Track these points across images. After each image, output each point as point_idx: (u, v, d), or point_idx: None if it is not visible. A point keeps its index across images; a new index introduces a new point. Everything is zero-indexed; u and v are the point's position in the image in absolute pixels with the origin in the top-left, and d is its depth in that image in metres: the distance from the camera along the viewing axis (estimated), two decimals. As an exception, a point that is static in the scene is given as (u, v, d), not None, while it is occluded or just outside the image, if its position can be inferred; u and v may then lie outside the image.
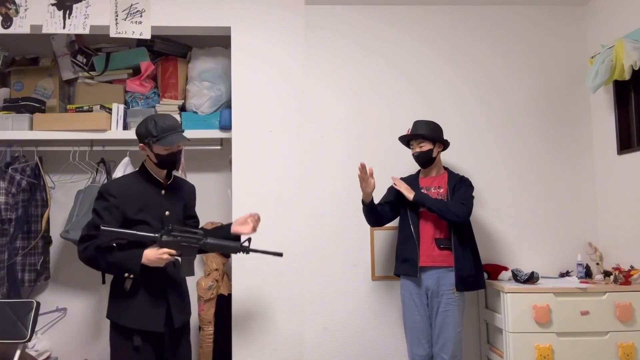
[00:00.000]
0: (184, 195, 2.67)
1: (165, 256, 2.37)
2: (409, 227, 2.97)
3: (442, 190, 2.99)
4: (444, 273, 2.89)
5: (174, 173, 2.69)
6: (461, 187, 2.97)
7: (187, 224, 2.66)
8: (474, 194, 3.00)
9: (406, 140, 3.09)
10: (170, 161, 2.51)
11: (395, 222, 3.12)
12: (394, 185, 3.04)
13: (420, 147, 3.00)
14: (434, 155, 3.01)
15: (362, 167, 2.83)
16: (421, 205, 2.93)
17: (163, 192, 2.55)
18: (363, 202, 2.95)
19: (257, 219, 2.70)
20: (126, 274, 2.36)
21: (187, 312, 2.61)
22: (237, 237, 2.66)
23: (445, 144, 3.06)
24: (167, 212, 2.52)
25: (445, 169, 3.11)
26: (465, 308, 2.97)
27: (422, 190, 3.00)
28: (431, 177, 3.07)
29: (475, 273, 2.92)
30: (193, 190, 2.77)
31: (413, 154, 3.05)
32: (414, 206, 2.97)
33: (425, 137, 2.99)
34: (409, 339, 2.97)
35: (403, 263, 2.99)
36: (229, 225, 2.73)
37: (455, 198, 2.92)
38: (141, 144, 2.50)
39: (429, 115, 3.39)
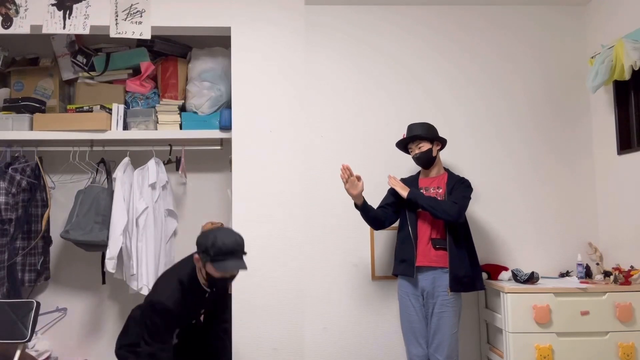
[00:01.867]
0: (227, 286, 2.59)
1: None
2: (407, 227, 2.97)
3: (441, 190, 2.99)
4: (439, 274, 2.89)
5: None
6: (459, 187, 2.97)
7: (215, 326, 2.67)
8: (472, 195, 2.99)
9: (404, 144, 3.09)
10: (220, 285, 2.38)
11: (395, 222, 3.12)
12: (388, 183, 3.04)
13: (419, 148, 3.00)
14: (434, 154, 3.02)
15: (345, 168, 2.83)
16: (414, 202, 2.93)
17: (207, 294, 2.49)
18: (355, 205, 2.94)
19: None
20: None
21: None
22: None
23: (442, 142, 3.06)
24: (202, 311, 2.56)
25: (446, 169, 3.11)
26: (462, 309, 2.96)
27: (422, 191, 3.00)
28: (431, 177, 3.07)
29: (471, 274, 2.91)
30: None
31: (413, 157, 3.05)
32: (413, 206, 2.97)
33: (423, 137, 2.99)
34: (406, 338, 2.97)
35: (401, 263, 2.99)
36: None
37: (450, 197, 2.92)
38: (196, 255, 2.36)
39: (431, 114, 3.41)
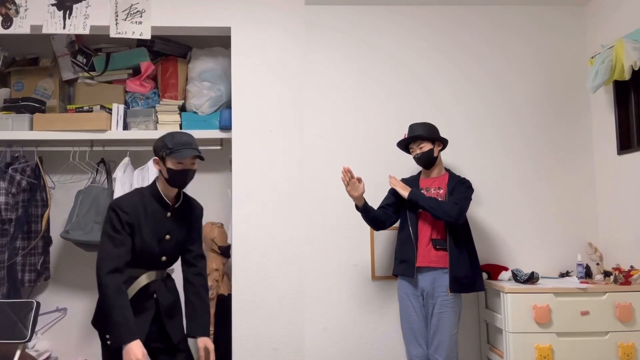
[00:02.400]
0: (191, 219, 2.59)
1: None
2: (408, 227, 2.97)
3: (441, 191, 2.98)
4: (439, 274, 2.88)
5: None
6: (459, 188, 2.96)
7: (185, 258, 2.62)
8: (473, 196, 2.98)
9: (405, 144, 3.08)
10: (181, 179, 2.43)
11: (396, 223, 3.12)
12: (389, 183, 3.04)
13: (421, 148, 3.00)
14: (435, 154, 3.01)
15: (346, 171, 2.83)
16: (415, 203, 2.93)
17: (169, 214, 2.49)
18: (356, 207, 2.94)
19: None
20: (108, 336, 2.28)
21: (181, 329, 2.56)
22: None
23: (444, 143, 3.06)
24: (167, 236, 2.48)
25: (447, 170, 3.10)
26: (462, 310, 2.95)
27: (422, 191, 3.00)
28: (432, 177, 3.06)
29: (472, 275, 2.90)
30: (200, 214, 2.68)
31: (414, 157, 3.05)
32: (414, 207, 2.97)
33: (424, 137, 2.99)
34: (406, 339, 2.97)
35: (401, 263, 2.99)
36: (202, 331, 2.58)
37: (451, 198, 2.92)
38: (155, 158, 2.45)
39: (432, 114, 3.41)
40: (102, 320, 2.37)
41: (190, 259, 2.61)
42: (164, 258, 2.49)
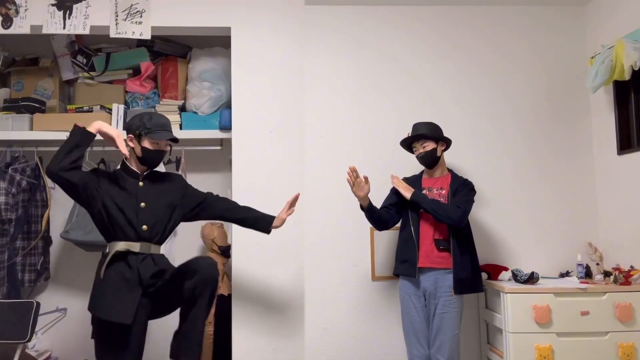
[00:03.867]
0: (167, 187, 2.62)
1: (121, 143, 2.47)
2: (410, 227, 2.96)
3: (444, 191, 2.97)
4: (441, 275, 2.88)
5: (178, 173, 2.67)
6: (462, 190, 2.95)
7: (203, 207, 2.70)
8: (475, 197, 2.98)
9: (408, 143, 3.07)
10: (153, 159, 2.55)
11: (398, 223, 3.11)
12: (392, 183, 3.03)
13: (424, 147, 2.99)
14: (438, 154, 3.01)
15: (352, 171, 2.82)
16: (417, 204, 2.92)
17: (141, 183, 2.55)
18: (361, 207, 2.94)
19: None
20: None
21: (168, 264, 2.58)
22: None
23: (447, 142, 3.05)
24: (142, 204, 2.50)
25: (450, 170, 3.10)
26: (463, 311, 2.95)
27: (424, 191, 2.99)
28: (434, 177, 3.05)
29: (473, 276, 2.91)
30: (181, 180, 2.73)
31: (417, 156, 3.03)
32: (415, 207, 2.96)
33: (428, 136, 2.98)
34: (408, 339, 2.97)
35: (402, 263, 2.98)
36: (272, 218, 2.78)
37: (454, 200, 2.91)
38: (130, 135, 2.53)
39: (431, 114, 3.40)
40: (94, 302, 2.47)
41: (208, 205, 2.70)
42: (144, 227, 2.49)
